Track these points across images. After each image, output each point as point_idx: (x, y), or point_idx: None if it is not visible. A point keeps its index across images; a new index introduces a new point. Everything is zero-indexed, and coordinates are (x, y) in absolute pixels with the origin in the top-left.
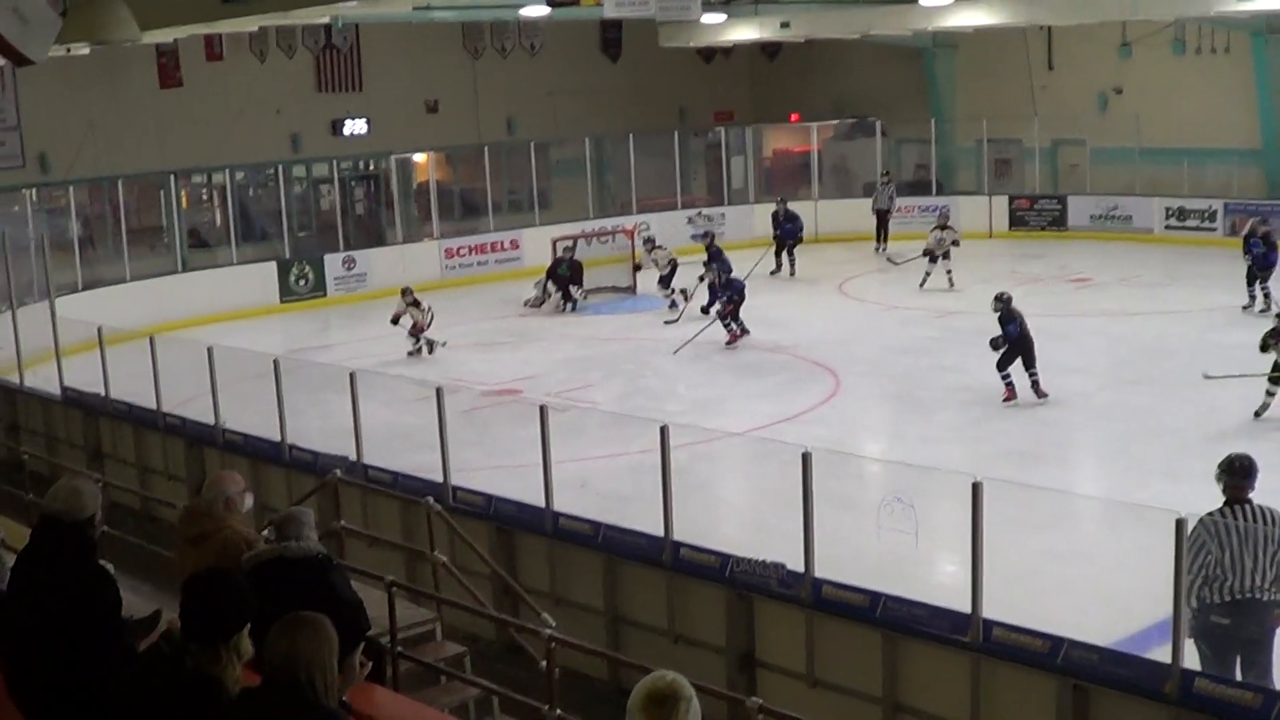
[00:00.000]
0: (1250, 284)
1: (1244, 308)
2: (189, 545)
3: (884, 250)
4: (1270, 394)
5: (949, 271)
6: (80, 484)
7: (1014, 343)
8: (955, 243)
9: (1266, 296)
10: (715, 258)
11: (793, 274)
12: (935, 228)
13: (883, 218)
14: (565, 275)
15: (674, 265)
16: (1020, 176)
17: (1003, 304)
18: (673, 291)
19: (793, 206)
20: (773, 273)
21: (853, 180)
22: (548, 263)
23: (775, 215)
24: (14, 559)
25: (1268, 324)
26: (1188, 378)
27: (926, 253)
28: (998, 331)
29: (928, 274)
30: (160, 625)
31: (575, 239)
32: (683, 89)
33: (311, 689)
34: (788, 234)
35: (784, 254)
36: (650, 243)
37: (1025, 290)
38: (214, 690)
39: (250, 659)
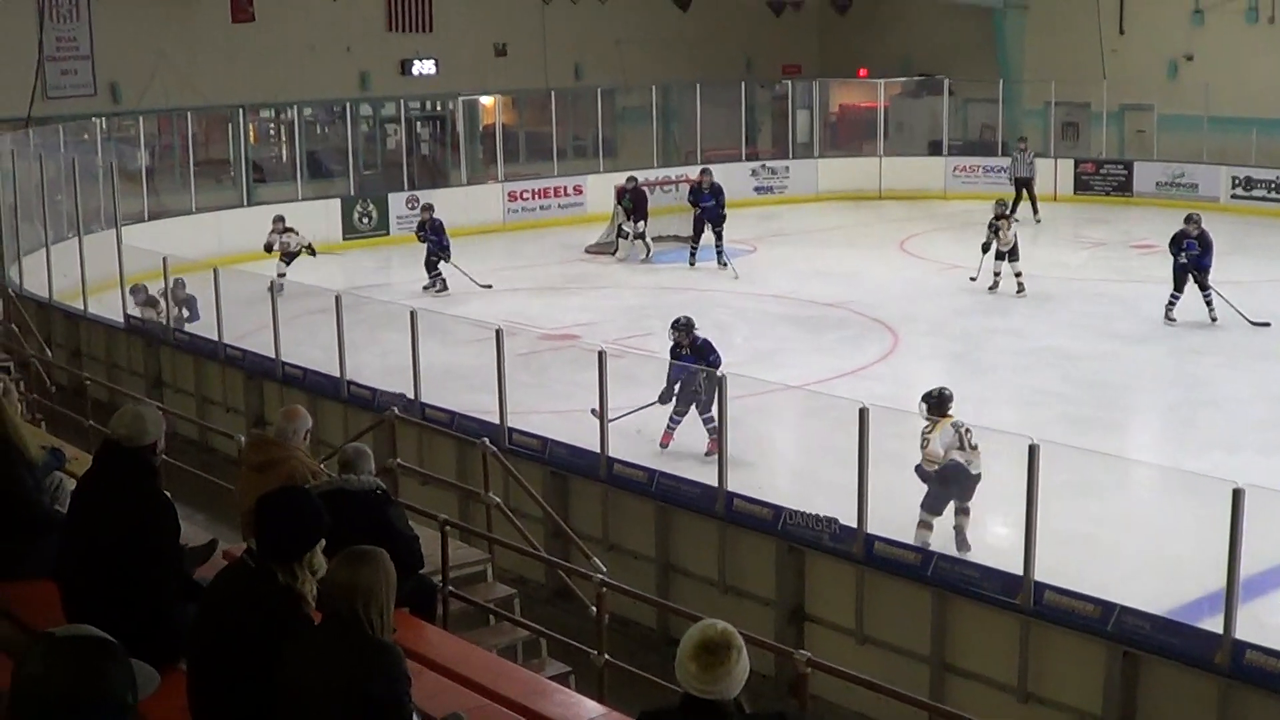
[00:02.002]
0: (1178, 288)
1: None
2: (254, 472)
3: (1037, 220)
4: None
5: (1017, 274)
6: (144, 410)
7: None
8: (1001, 243)
9: (1209, 304)
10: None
11: (722, 264)
12: (996, 218)
13: (1026, 185)
14: (628, 208)
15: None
16: (1087, 141)
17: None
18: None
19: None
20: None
21: (917, 138)
22: (610, 209)
23: (695, 186)
24: (75, 483)
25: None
26: (1250, 348)
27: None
28: (1056, 297)
29: (997, 275)
30: (215, 554)
31: (636, 177)
32: (751, 41)
33: (369, 623)
34: (709, 213)
35: (699, 235)
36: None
37: (1089, 255)
38: (296, 602)
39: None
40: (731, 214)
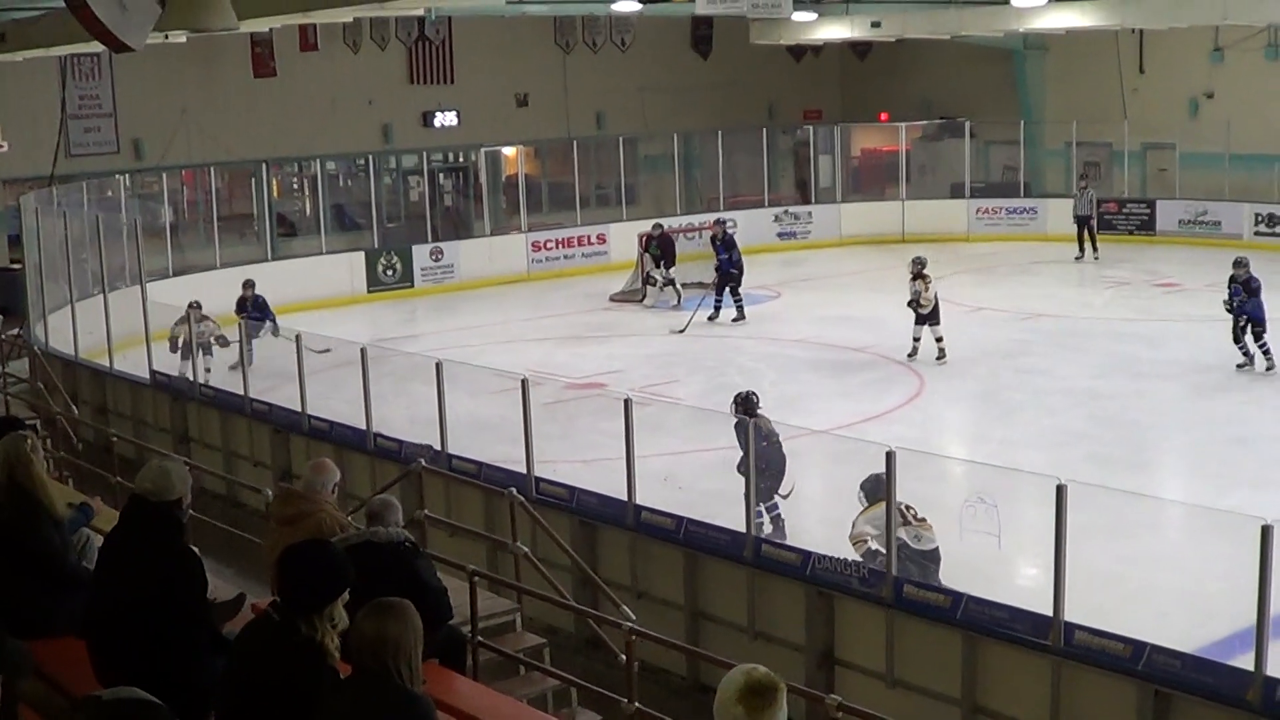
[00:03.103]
0: (1238, 338)
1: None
2: (283, 525)
3: (1095, 257)
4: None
5: (938, 339)
6: (169, 465)
7: None
8: (920, 305)
9: (1266, 354)
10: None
11: (739, 317)
12: (915, 278)
13: (1085, 223)
14: (656, 255)
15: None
16: (1109, 180)
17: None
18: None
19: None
20: (710, 318)
21: (940, 181)
22: (634, 257)
23: (713, 239)
24: (102, 540)
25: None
26: (1275, 385)
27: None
28: (1081, 336)
29: (916, 340)
30: (243, 608)
31: (663, 224)
32: (772, 87)
33: (398, 674)
34: (725, 266)
35: (723, 293)
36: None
37: (1113, 294)
38: (319, 655)
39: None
40: (754, 259)
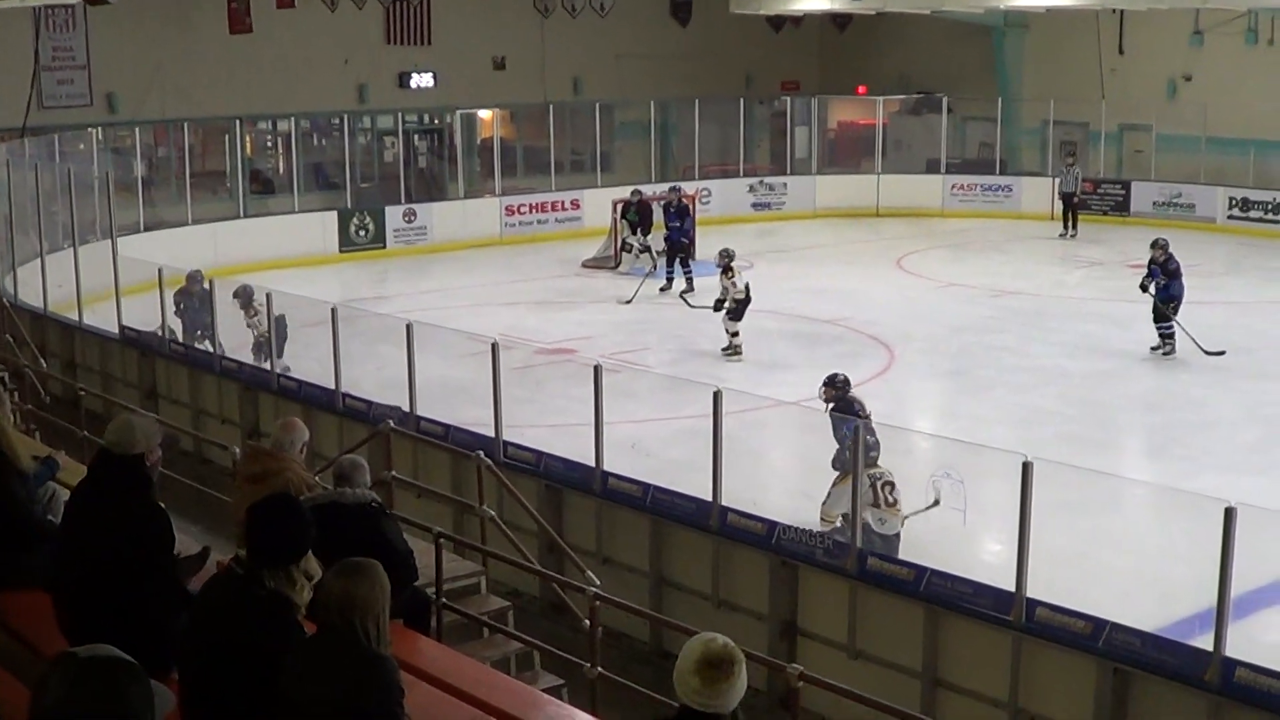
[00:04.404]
0: (1161, 319)
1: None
2: (249, 482)
3: (1073, 235)
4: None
5: (733, 334)
6: (135, 419)
7: None
8: (724, 305)
9: (1167, 338)
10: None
11: (689, 289)
12: (723, 271)
13: (1069, 201)
14: (633, 221)
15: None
16: (1085, 160)
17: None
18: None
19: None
20: (662, 289)
21: (916, 156)
22: (608, 223)
23: (666, 206)
24: (69, 494)
25: None
26: (1245, 370)
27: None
28: (1052, 316)
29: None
30: (208, 563)
31: (641, 190)
32: (750, 57)
33: (365, 634)
34: (675, 235)
35: (673, 264)
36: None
37: (1085, 274)
38: (288, 609)
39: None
40: (729, 229)
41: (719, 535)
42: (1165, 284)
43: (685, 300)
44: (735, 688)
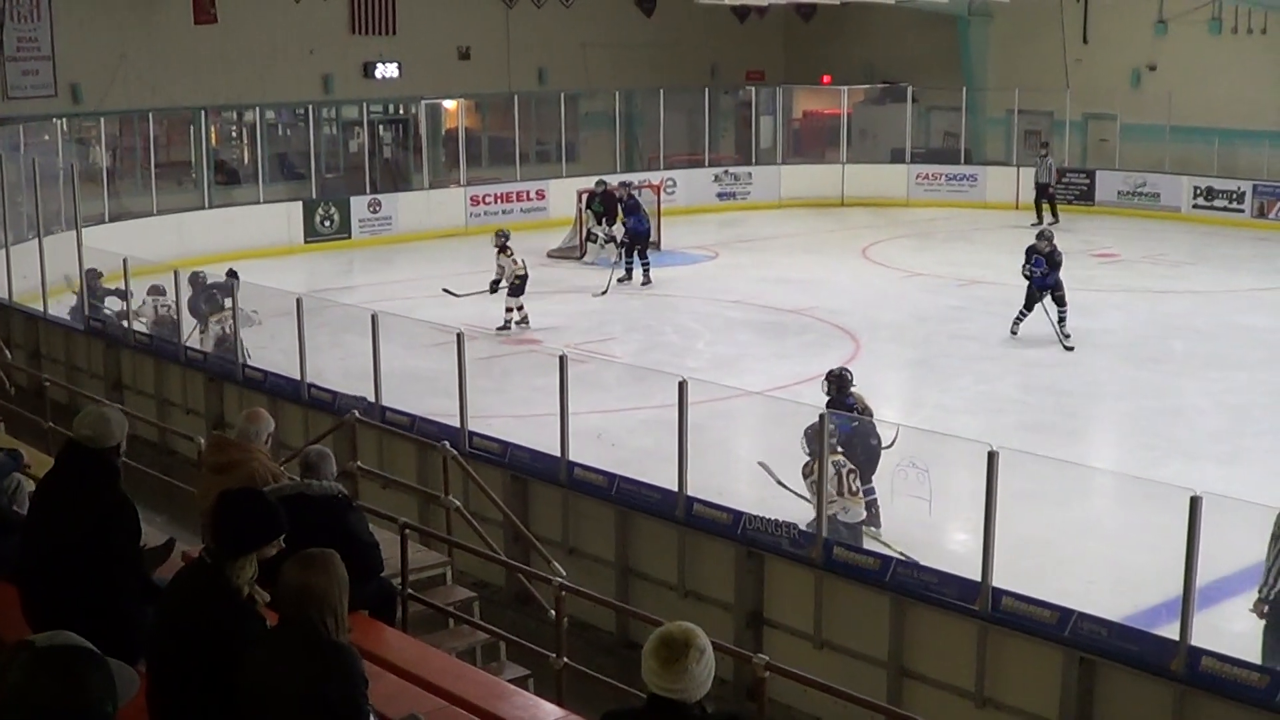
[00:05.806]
0: (1029, 306)
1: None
2: (214, 473)
3: (1051, 224)
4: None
5: (513, 310)
6: (109, 412)
7: None
8: (500, 285)
9: (1066, 334)
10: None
11: (646, 281)
12: (499, 250)
13: (1044, 191)
14: (598, 211)
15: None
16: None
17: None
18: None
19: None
20: (621, 280)
21: (880, 145)
22: (573, 214)
23: (620, 202)
24: (34, 485)
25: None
26: (1210, 358)
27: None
28: (1017, 305)
29: (509, 313)
30: (173, 554)
31: (606, 181)
32: (715, 46)
33: (323, 624)
34: (634, 227)
35: (632, 254)
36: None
37: None
38: (251, 602)
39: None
40: (694, 219)
41: (685, 525)
42: (1046, 273)
43: (450, 291)
44: (694, 674)
